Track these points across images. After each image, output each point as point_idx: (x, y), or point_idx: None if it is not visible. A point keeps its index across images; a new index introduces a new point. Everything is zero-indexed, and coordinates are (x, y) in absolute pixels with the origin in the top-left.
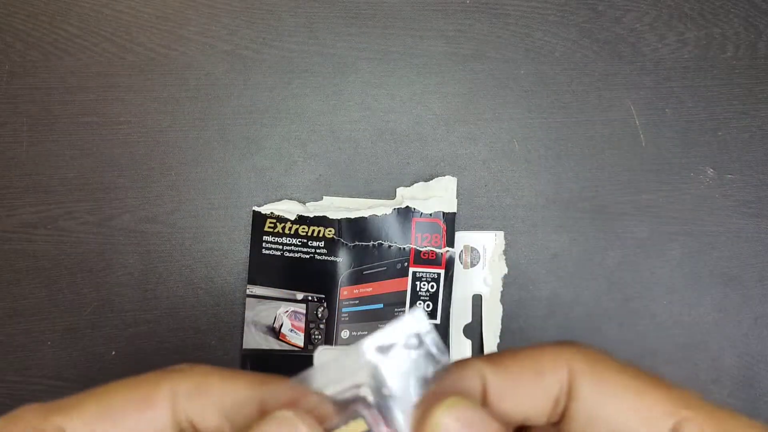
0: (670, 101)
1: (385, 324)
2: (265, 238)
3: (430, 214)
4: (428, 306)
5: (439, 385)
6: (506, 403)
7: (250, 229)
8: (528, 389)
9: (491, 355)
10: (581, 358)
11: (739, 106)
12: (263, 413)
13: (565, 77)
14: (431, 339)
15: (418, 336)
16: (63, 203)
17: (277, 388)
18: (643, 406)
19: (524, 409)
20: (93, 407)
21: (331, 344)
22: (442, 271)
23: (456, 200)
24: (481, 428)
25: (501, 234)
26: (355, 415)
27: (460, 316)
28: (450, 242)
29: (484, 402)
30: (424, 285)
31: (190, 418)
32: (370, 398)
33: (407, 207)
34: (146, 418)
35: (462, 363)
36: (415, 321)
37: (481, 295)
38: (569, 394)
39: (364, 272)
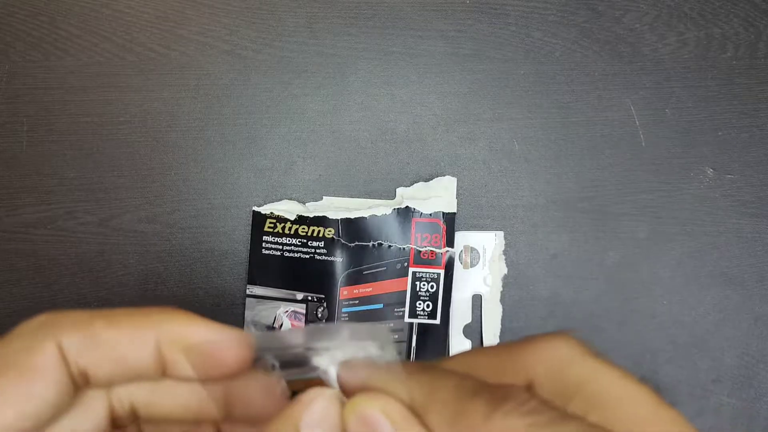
0: (670, 101)
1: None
2: (265, 238)
3: (430, 214)
4: (428, 306)
5: (360, 374)
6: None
7: (250, 229)
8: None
9: (425, 378)
10: (541, 379)
11: (739, 106)
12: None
13: (565, 77)
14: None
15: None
16: (63, 203)
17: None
18: None
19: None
20: None
21: None
22: (441, 271)
23: (456, 200)
24: (381, 429)
25: (501, 234)
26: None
27: (460, 316)
28: (450, 242)
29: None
30: (423, 285)
31: (83, 370)
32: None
33: (407, 207)
34: (37, 389)
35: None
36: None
37: (481, 295)
38: None
39: (364, 272)
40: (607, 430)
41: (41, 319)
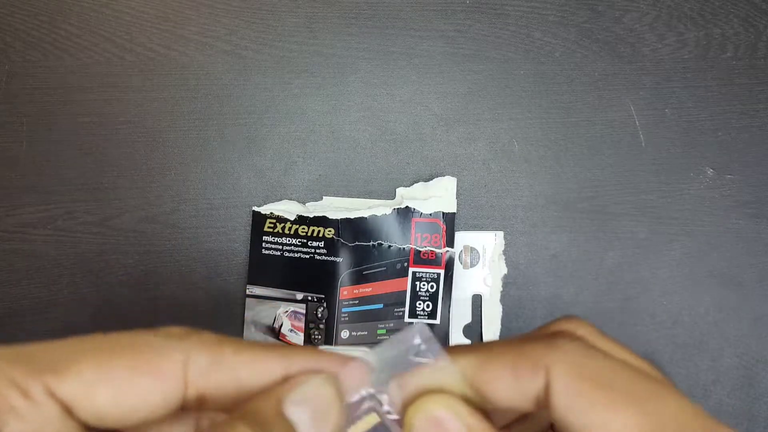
0: (670, 101)
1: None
2: (264, 238)
3: (430, 214)
4: (428, 306)
5: (415, 382)
6: (490, 396)
7: (250, 229)
8: (506, 390)
9: (479, 349)
10: (561, 367)
11: (739, 106)
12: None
13: (565, 77)
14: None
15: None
16: (63, 203)
17: (304, 358)
18: (613, 425)
19: (506, 403)
20: (91, 368)
21: (330, 344)
22: (441, 271)
23: (456, 200)
24: (451, 425)
25: (501, 234)
26: (369, 411)
27: (460, 316)
28: (450, 242)
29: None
30: (423, 285)
31: (201, 392)
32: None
33: (407, 207)
34: (154, 389)
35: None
36: (417, 333)
37: (481, 295)
38: (546, 398)
39: (364, 272)
40: (647, 370)
41: (176, 330)
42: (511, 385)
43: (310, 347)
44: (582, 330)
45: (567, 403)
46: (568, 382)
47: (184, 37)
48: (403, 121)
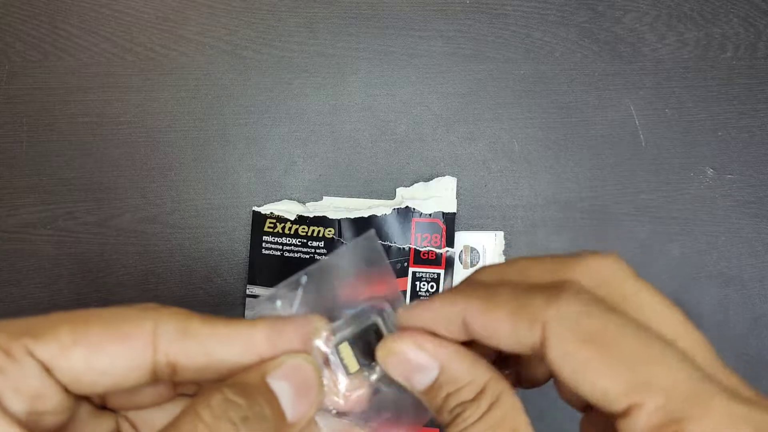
0: (670, 101)
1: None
2: (265, 238)
3: (430, 214)
4: None
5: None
6: (489, 340)
7: (250, 229)
8: (505, 338)
9: (484, 292)
10: (557, 324)
11: (739, 106)
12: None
13: (565, 77)
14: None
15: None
16: (63, 203)
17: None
18: (599, 386)
19: (505, 348)
20: (67, 333)
21: None
22: (441, 271)
23: (456, 200)
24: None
25: (501, 234)
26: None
27: None
28: (450, 242)
29: (467, 331)
30: (424, 285)
31: (171, 360)
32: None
33: (407, 207)
34: (125, 354)
35: (446, 298)
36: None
37: None
38: (542, 350)
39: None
40: (646, 325)
41: (149, 304)
42: (510, 334)
43: (271, 318)
44: (604, 271)
45: (560, 361)
46: (563, 340)
47: (184, 37)
48: (403, 121)
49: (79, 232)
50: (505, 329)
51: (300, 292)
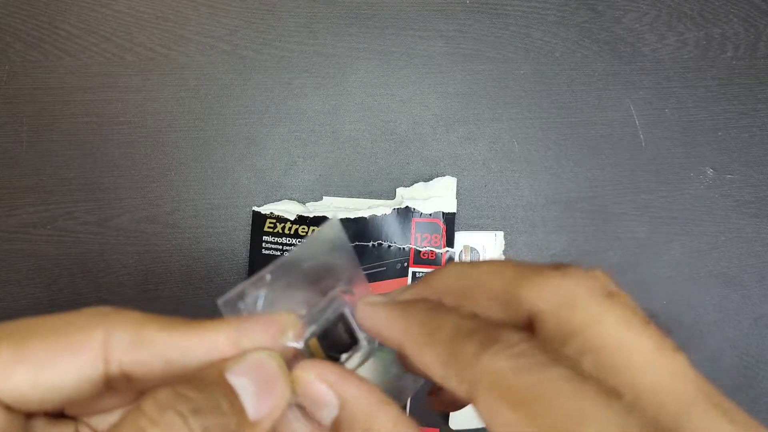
0: (670, 101)
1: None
2: (265, 238)
3: (430, 214)
4: None
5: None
6: (423, 373)
7: (250, 229)
8: (437, 378)
9: (424, 316)
10: (485, 379)
11: (739, 106)
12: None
13: (565, 77)
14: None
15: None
16: (63, 203)
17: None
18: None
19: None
20: (7, 350)
21: None
22: None
23: (456, 200)
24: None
25: (501, 234)
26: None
27: None
28: (450, 242)
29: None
30: None
31: (126, 370)
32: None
33: (407, 207)
34: (73, 367)
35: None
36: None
37: None
38: (472, 402)
39: (364, 272)
40: (592, 377)
41: (101, 309)
42: (441, 380)
43: (234, 319)
44: (566, 291)
45: (488, 419)
46: (490, 399)
47: (184, 37)
48: (403, 121)
49: (79, 232)
50: (437, 375)
51: (263, 291)
